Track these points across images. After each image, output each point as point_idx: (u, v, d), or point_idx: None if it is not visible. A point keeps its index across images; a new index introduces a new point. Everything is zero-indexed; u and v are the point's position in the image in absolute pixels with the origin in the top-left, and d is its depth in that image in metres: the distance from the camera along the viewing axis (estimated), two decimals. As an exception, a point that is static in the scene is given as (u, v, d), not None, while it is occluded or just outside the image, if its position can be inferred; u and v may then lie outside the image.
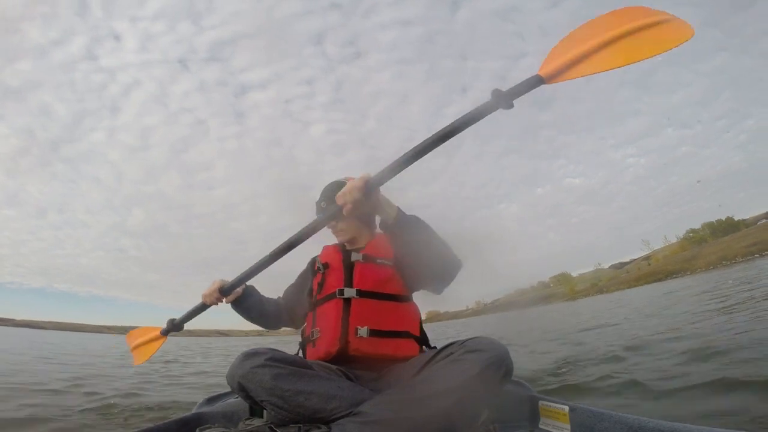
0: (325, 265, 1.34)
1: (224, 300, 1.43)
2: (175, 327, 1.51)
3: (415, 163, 1.00)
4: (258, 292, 1.55)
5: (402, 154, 1.00)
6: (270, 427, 1.01)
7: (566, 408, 1.15)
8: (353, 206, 1.06)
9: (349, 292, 1.24)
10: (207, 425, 1.17)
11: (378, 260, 1.28)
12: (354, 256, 1.30)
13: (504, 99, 0.90)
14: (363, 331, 1.18)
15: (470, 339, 1.04)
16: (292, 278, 1.55)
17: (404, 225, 1.14)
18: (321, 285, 1.32)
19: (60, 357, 7.31)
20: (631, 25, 0.82)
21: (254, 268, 1.27)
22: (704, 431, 0.82)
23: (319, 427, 1.00)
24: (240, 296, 1.47)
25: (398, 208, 1.14)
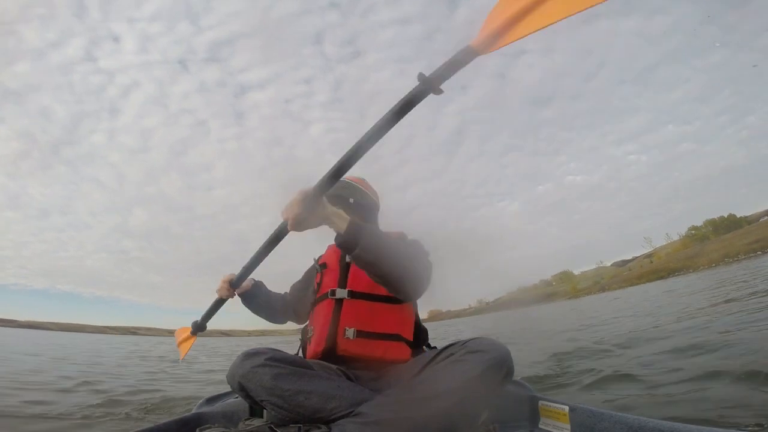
0: (323, 266, 1.37)
1: (234, 292, 1.46)
2: (198, 328, 1.60)
3: (353, 166, 0.94)
4: (265, 288, 1.60)
5: (337, 160, 0.93)
6: (270, 427, 1.01)
7: (566, 408, 1.15)
8: (295, 221, 1.01)
9: (341, 293, 1.25)
10: (207, 425, 1.17)
11: None
12: (349, 257, 1.31)
13: (430, 83, 0.81)
14: (350, 332, 1.19)
15: (471, 339, 1.04)
16: (298, 276, 1.59)
17: (355, 239, 1.01)
18: (319, 284, 1.35)
19: (75, 357, 7.47)
20: None
21: (253, 261, 1.27)
22: (704, 431, 0.82)
23: (319, 427, 1.00)
24: (248, 290, 1.52)
25: (350, 221, 1.03)
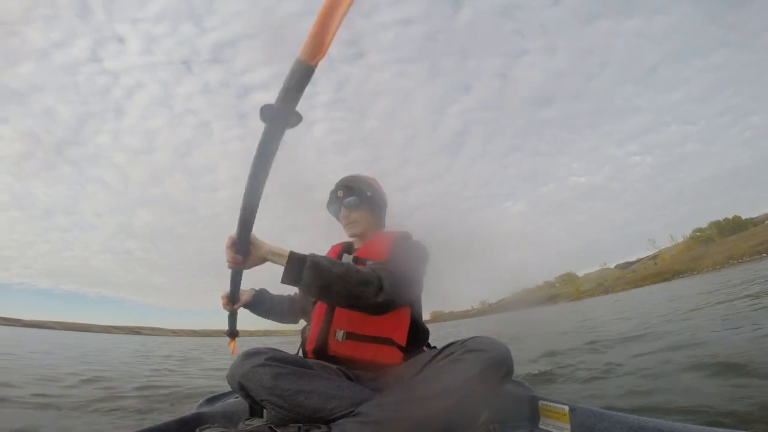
0: None
1: (235, 306, 1.47)
2: (230, 334, 1.67)
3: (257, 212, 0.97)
4: (269, 294, 1.60)
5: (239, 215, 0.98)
6: (270, 427, 1.01)
7: (566, 408, 1.15)
8: (233, 263, 1.09)
9: None
10: (207, 425, 1.16)
11: (368, 262, 1.25)
12: (345, 258, 1.32)
13: (282, 116, 0.73)
14: (340, 334, 1.20)
15: (471, 338, 1.03)
16: None
17: (298, 272, 1.03)
18: None
19: (85, 355, 7.69)
20: None
21: (232, 281, 1.31)
22: (704, 431, 0.82)
23: (319, 427, 1.00)
24: (249, 301, 1.52)
25: (290, 255, 1.05)
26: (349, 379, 1.16)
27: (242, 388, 1.05)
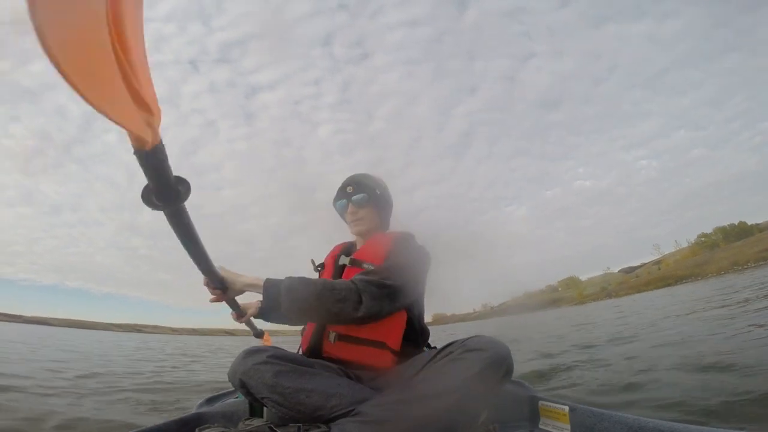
0: (321, 266, 1.39)
1: (242, 320, 1.46)
2: (256, 336, 1.77)
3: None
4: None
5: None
6: (270, 427, 1.01)
7: (566, 408, 1.15)
8: (217, 299, 1.17)
9: None
10: (207, 425, 1.16)
11: (364, 265, 1.25)
12: (342, 260, 1.32)
13: (166, 195, 0.66)
14: (332, 335, 1.21)
15: (470, 338, 1.03)
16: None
17: (275, 299, 1.09)
18: None
19: (88, 353, 7.89)
20: None
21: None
22: (704, 431, 0.82)
23: (319, 427, 1.00)
24: (255, 314, 1.50)
25: (264, 283, 1.12)
26: (350, 378, 1.16)
27: (243, 386, 1.05)
